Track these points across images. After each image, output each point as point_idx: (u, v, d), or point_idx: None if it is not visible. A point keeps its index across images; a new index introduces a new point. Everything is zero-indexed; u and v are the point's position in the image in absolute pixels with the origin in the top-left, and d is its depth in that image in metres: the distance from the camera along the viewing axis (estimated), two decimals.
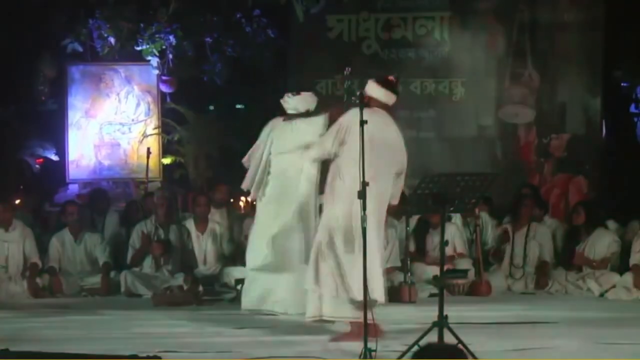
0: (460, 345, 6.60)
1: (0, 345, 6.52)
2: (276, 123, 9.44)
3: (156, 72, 14.29)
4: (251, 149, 9.54)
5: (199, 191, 13.13)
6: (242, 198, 13.10)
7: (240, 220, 12.22)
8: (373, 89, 7.75)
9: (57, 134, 14.58)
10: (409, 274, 10.65)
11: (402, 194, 8.01)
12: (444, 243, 7.08)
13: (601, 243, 11.22)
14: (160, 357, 6.18)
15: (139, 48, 14.10)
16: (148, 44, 13.99)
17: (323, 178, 8.17)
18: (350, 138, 7.52)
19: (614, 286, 10.82)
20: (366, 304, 6.81)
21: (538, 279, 11.41)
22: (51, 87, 14.46)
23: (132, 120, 14.56)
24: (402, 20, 14.42)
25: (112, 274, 11.45)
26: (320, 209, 8.47)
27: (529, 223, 11.67)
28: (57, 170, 14.73)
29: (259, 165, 9.41)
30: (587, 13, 14.09)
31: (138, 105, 14.57)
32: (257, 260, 9.37)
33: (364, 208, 6.85)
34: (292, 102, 9.29)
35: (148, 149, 13.46)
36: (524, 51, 14.13)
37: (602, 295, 10.80)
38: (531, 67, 14.10)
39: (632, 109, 14.71)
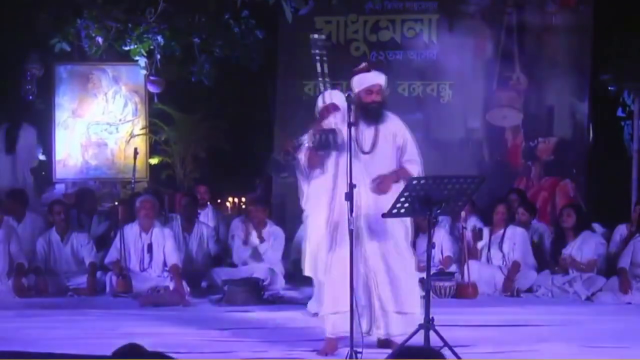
0: (446, 348, 6.62)
1: None
2: None
3: (144, 72, 14.26)
4: None
5: (186, 192, 13.12)
6: (230, 199, 13.11)
7: (227, 220, 12.23)
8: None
9: (44, 134, 14.55)
10: None
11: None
12: (430, 246, 7.10)
13: (588, 246, 11.23)
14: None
15: (126, 48, 14.07)
16: (136, 44, 13.96)
17: None
18: None
19: (600, 289, 10.83)
20: (353, 306, 6.81)
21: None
22: (38, 86, 14.42)
23: (120, 120, 14.54)
24: (391, 22, 14.42)
25: (99, 274, 11.41)
26: None
27: (505, 226, 11.68)
28: (44, 170, 14.70)
29: None
30: (575, 17, 14.10)
31: (125, 105, 14.55)
32: None
33: (350, 210, 6.87)
34: None
35: (135, 149, 13.47)
36: (512, 54, 14.13)
37: (588, 298, 10.81)
38: (519, 70, 14.11)
39: (620, 112, 14.73)
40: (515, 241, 11.54)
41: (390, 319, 7.39)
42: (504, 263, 11.46)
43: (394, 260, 7.39)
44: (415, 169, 7.53)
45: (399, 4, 14.44)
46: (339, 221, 7.28)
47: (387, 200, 7.13)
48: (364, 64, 7.72)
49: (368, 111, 7.46)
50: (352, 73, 7.64)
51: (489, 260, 11.54)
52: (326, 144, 7.38)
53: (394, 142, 7.56)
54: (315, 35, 8.57)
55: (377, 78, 7.58)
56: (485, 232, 11.72)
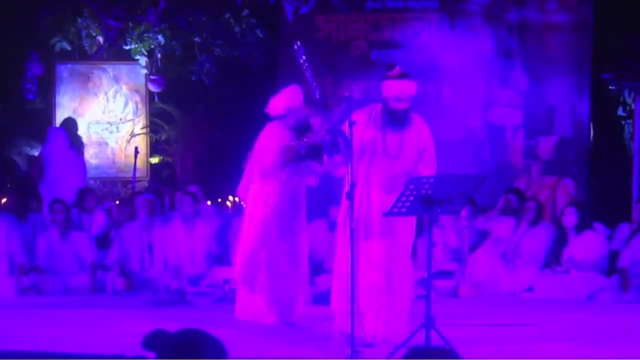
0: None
1: None
2: None
3: (144, 71, 14.29)
4: None
5: (186, 191, 13.11)
6: (230, 198, 13.10)
7: (228, 219, 12.21)
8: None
9: (44, 133, 14.55)
10: None
11: None
12: (431, 245, 7.11)
13: (590, 245, 11.20)
14: None
15: (127, 47, 14.10)
16: (136, 43, 13.99)
17: None
18: None
19: (601, 289, 10.82)
20: (353, 307, 6.82)
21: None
22: (39, 85, 14.42)
23: (120, 119, 14.56)
24: (391, 21, 14.41)
25: (99, 273, 11.40)
26: None
27: (532, 225, 11.59)
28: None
29: None
30: (576, 15, 14.10)
31: (126, 104, 14.56)
32: None
33: (351, 210, 6.88)
34: None
35: (136, 148, 13.48)
36: (512, 53, 14.13)
37: (588, 298, 10.80)
38: (519, 69, 14.10)
39: (620, 111, 14.73)
40: (537, 245, 11.50)
41: None
42: (514, 262, 11.45)
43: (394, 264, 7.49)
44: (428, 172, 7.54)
45: (399, 3, 14.44)
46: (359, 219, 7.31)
47: None
48: (396, 70, 7.73)
49: (396, 117, 7.53)
50: (385, 77, 7.66)
51: (500, 256, 11.48)
52: (334, 146, 7.36)
53: (417, 146, 7.61)
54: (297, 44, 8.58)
55: (409, 87, 7.61)
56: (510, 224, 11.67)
